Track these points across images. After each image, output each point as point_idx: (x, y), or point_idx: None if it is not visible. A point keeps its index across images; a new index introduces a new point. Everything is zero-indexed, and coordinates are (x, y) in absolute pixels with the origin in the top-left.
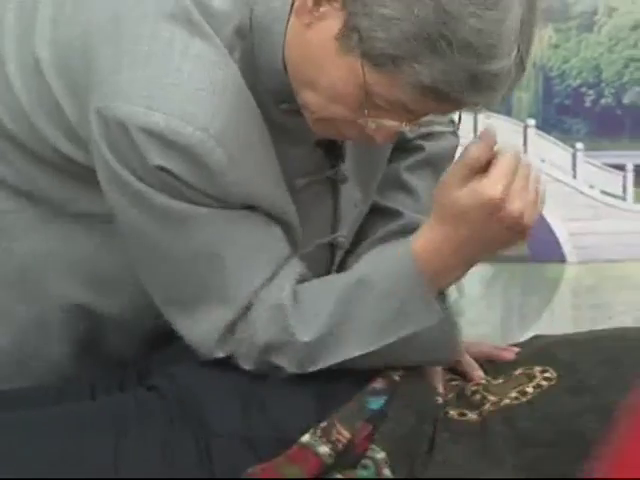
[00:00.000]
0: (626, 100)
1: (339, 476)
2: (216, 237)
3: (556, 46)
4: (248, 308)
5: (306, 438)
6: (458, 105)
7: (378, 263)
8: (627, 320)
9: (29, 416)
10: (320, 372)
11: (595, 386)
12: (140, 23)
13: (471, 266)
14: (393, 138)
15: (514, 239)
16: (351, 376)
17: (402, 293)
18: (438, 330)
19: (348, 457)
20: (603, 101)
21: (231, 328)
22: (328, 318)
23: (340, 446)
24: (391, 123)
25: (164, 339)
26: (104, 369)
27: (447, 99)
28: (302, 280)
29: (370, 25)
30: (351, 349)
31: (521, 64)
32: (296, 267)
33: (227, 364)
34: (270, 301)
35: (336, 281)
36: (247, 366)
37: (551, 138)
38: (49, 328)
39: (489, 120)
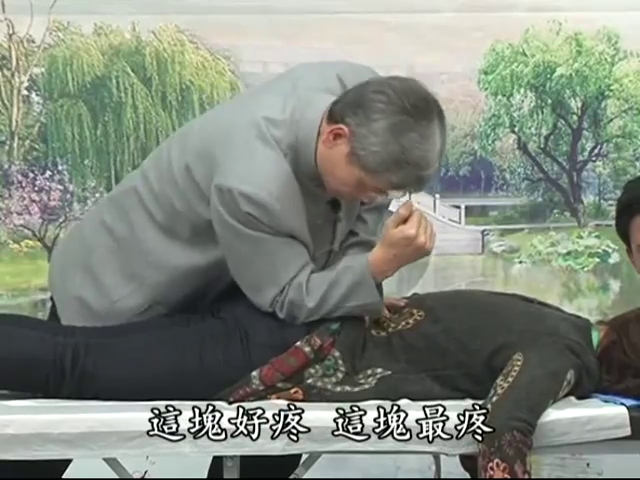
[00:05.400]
0: (460, 173)
1: (317, 366)
2: (271, 250)
3: None
4: (284, 287)
5: (298, 344)
6: (407, 191)
7: (350, 265)
8: (462, 285)
9: (155, 335)
10: None
11: (444, 320)
12: (239, 139)
13: (397, 269)
14: (372, 200)
15: (421, 256)
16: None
17: (360, 282)
18: (374, 302)
19: (320, 355)
20: (448, 174)
21: (276, 296)
22: (322, 294)
23: (316, 348)
24: (373, 195)
25: (228, 294)
26: (194, 309)
27: (402, 188)
28: (311, 273)
29: (365, 154)
30: (331, 309)
31: (438, 170)
32: (311, 267)
33: (265, 312)
34: (296, 283)
35: (328, 274)
36: (281, 316)
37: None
38: (178, 290)
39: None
